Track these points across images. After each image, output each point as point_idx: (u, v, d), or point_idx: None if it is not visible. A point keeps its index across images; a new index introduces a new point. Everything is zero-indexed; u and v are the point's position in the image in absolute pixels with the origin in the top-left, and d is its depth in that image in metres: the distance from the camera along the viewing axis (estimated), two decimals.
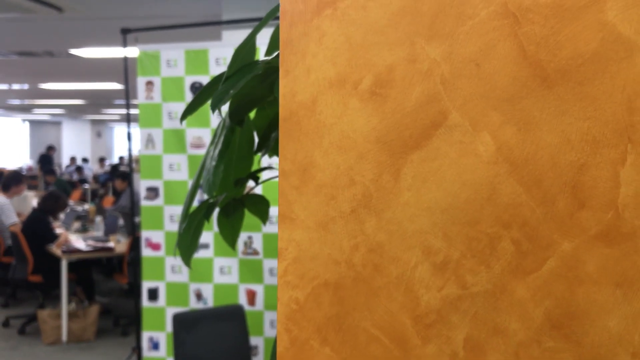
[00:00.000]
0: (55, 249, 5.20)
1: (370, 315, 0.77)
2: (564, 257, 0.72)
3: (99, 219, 6.30)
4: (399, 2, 0.74)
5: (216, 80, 1.40)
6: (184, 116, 1.41)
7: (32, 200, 7.31)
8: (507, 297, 0.73)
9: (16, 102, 13.73)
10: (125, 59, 3.67)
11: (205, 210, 1.63)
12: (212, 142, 1.58)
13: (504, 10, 0.71)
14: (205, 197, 1.65)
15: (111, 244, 5.42)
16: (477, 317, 0.74)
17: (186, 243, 1.64)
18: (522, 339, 0.73)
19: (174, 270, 3.60)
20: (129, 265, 5.11)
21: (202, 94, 1.42)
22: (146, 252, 3.62)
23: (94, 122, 20.75)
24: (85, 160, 16.79)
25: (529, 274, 0.73)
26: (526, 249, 0.73)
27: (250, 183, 1.71)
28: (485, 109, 0.73)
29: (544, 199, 0.72)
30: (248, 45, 1.28)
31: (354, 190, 0.77)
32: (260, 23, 1.18)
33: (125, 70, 3.70)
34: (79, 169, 14.12)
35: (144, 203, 3.62)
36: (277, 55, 1.23)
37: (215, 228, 3.46)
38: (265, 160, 2.91)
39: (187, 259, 1.65)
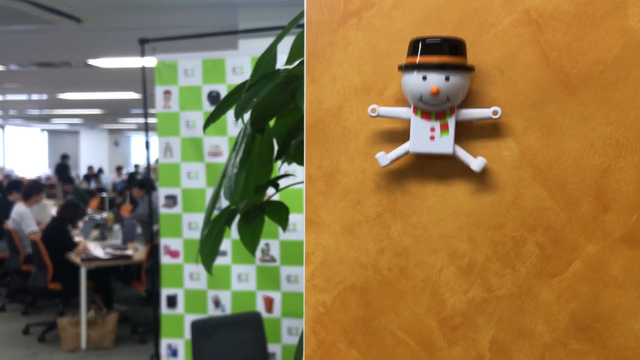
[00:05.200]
0: (74, 257, 5.25)
1: (396, 318, 0.78)
2: (589, 259, 0.73)
3: (117, 227, 6.35)
4: (422, 11, 0.76)
5: (237, 89, 1.42)
6: (206, 125, 1.44)
7: (50, 208, 7.39)
8: (533, 300, 0.74)
9: (35, 112, 13.92)
10: (143, 69, 3.72)
11: (226, 217, 1.65)
12: (233, 150, 1.60)
13: (527, 18, 0.73)
14: (224, 204, 1.67)
15: (129, 252, 5.46)
16: (502, 319, 0.75)
17: (208, 249, 1.66)
18: (548, 341, 0.74)
19: (193, 277, 3.63)
20: (147, 272, 5.15)
21: (223, 103, 1.44)
22: (165, 259, 3.65)
23: (111, 132, 20.95)
24: (100, 170, 16.94)
25: (553, 276, 0.74)
26: (551, 252, 0.74)
27: (269, 190, 1.73)
28: (509, 115, 0.74)
29: (568, 203, 0.73)
30: (270, 55, 1.30)
31: (380, 195, 0.78)
32: (282, 32, 1.20)
33: (143, 79, 3.74)
34: (97, 176, 14.27)
35: (162, 211, 3.65)
36: (299, 64, 1.25)
37: (233, 235, 3.48)
38: (283, 168, 2.93)
39: (208, 265, 1.67)
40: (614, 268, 0.72)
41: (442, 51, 0.71)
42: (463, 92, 0.72)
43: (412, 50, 0.72)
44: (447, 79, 0.70)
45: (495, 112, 0.72)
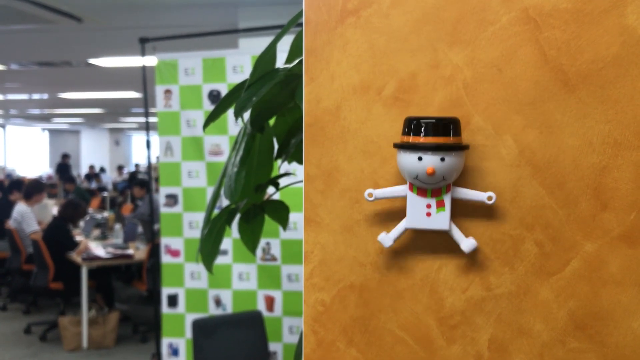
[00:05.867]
0: (76, 257, 5.25)
1: (395, 316, 0.78)
2: (587, 258, 0.73)
3: (118, 226, 6.35)
4: (421, 9, 0.76)
5: (237, 88, 1.42)
6: (206, 124, 1.44)
7: (51, 208, 7.40)
8: (531, 298, 0.74)
9: (36, 111, 13.93)
10: (144, 68, 3.72)
11: (226, 216, 1.65)
12: (233, 149, 1.60)
13: (525, 16, 0.73)
14: (225, 203, 1.67)
15: (130, 251, 5.46)
16: (501, 318, 0.75)
17: (208, 248, 1.66)
18: (546, 339, 0.74)
19: (193, 276, 3.63)
20: (148, 272, 5.15)
21: (223, 102, 1.44)
22: (166, 258, 3.65)
23: (112, 131, 20.96)
24: (102, 169, 16.96)
25: (552, 275, 0.74)
26: (549, 250, 0.74)
27: (270, 189, 1.73)
28: (507, 113, 0.74)
29: (567, 201, 0.73)
30: (269, 54, 1.30)
31: None
32: (281, 31, 1.20)
33: (143, 79, 3.74)
34: (98, 176, 14.29)
35: (163, 210, 3.65)
36: (298, 63, 1.25)
37: (234, 234, 3.48)
38: (284, 167, 2.92)
39: (209, 264, 1.67)
40: (613, 266, 0.72)
41: (438, 132, 0.71)
42: (459, 170, 0.72)
43: (407, 129, 0.72)
44: (442, 159, 0.70)
45: (489, 198, 0.72)
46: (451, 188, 0.74)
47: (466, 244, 0.74)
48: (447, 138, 0.71)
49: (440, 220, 0.74)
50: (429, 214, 0.74)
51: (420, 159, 0.71)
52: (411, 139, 0.72)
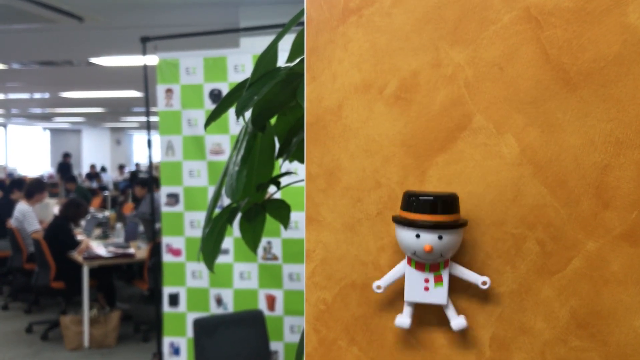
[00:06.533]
0: (77, 256, 5.26)
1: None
2: (589, 257, 0.73)
3: (119, 225, 6.36)
4: (422, 8, 0.76)
5: (238, 87, 1.42)
6: (207, 123, 1.44)
7: (53, 207, 7.41)
8: (533, 297, 0.74)
9: (37, 110, 13.94)
10: (145, 67, 3.72)
11: (228, 215, 1.65)
12: (234, 148, 1.60)
13: (527, 15, 0.73)
14: (227, 202, 1.67)
15: (132, 250, 5.47)
16: (502, 316, 0.76)
17: (209, 247, 1.66)
18: (548, 338, 0.74)
19: (195, 275, 3.63)
20: (149, 271, 5.16)
21: (225, 101, 1.44)
22: (167, 257, 3.66)
23: (113, 130, 20.98)
24: (103, 169, 16.98)
25: (554, 273, 0.74)
26: (551, 249, 0.74)
27: (271, 188, 1.73)
28: (509, 112, 0.74)
29: (568, 200, 0.73)
30: (270, 53, 1.30)
31: (380, 193, 0.78)
32: (282, 30, 1.20)
33: (144, 78, 3.74)
34: (98, 175, 14.30)
35: (164, 209, 3.66)
36: (300, 62, 1.25)
37: (235, 233, 3.49)
38: (285, 166, 2.93)
39: (210, 263, 1.67)
40: (614, 265, 0.72)
41: (436, 210, 0.70)
42: (456, 246, 0.72)
43: (406, 204, 0.72)
44: (440, 237, 0.70)
45: (484, 283, 0.73)
46: (449, 264, 0.74)
47: (456, 322, 0.74)
48: (445, 216, 0.70)
49: (438, 295, 0.74)
50: (427, 288, 0.74)
51: (417, 236, 0.71)
52: (409, 215, 0.71)
